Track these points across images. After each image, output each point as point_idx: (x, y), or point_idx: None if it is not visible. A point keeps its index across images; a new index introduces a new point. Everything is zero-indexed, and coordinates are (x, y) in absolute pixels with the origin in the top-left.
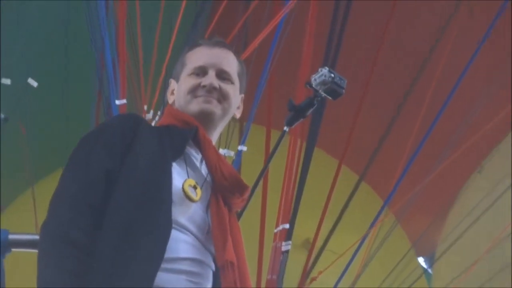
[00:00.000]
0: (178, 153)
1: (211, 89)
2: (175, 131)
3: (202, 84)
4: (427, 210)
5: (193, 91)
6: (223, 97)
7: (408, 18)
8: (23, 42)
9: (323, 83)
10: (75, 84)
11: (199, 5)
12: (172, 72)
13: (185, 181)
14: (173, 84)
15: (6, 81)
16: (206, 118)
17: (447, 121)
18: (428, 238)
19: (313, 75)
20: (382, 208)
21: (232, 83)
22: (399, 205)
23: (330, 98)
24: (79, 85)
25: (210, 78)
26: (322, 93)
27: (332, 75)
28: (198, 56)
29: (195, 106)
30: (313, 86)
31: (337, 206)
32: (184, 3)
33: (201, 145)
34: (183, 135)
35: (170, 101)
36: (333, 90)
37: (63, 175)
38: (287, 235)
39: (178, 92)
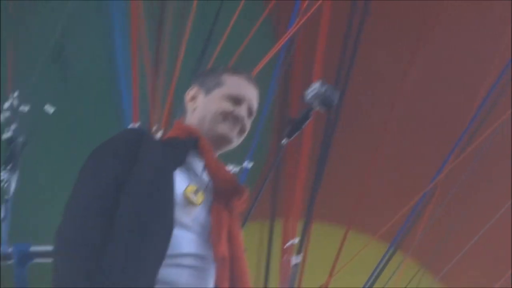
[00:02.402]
0: (180, 162)
1: (239, 121)
2: (177, 142)
3: (234, 113)
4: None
5: (225, 115)
6: (242, 131)
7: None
8: None
9: (315, 96)
10: None
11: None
12: (196, 81)
13: (186, 187)
14: (196, 91)
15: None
16: (223, 142)
17: None
18: None
19: (307, 90)
20: None
21: (251, 120)
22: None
23: (322, 110)
24: None
25: (243, 112)
26: (316, 106)
27: (324, 89)
28: (238, 86)
29: (222, 128)
30: (307, 100)
31: None
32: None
33: (202, 153)
34: (184, 145)
35: (190, 108)
36: (325, 103)
37: (76, 185)
38: (297, 249)
39: (205, 105)
